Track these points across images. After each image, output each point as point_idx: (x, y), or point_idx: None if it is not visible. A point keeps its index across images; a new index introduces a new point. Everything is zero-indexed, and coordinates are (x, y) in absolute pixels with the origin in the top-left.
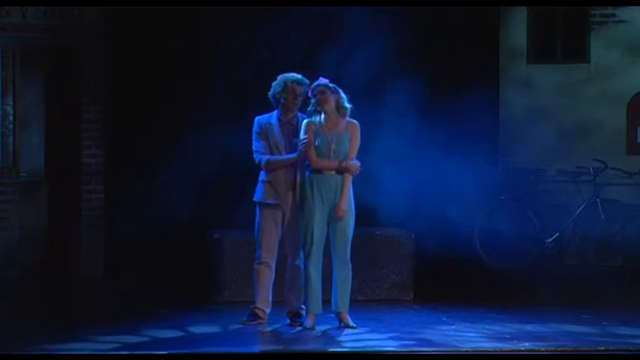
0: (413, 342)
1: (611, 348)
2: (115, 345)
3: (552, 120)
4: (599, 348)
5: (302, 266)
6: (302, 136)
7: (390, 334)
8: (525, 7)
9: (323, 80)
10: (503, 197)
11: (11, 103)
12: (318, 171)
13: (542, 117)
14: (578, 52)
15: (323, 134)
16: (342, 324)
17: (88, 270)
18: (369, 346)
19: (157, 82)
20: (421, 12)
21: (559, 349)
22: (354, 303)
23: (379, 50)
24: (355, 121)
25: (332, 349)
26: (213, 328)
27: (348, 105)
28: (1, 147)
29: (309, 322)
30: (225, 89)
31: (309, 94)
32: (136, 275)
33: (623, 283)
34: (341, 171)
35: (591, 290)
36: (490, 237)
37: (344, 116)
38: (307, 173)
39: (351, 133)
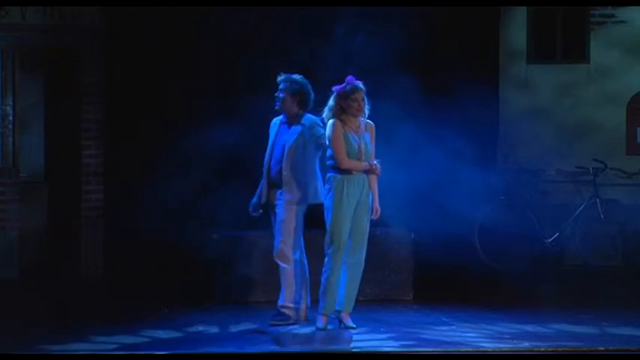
0: (413, 342)
1: (611, 348)
2: (115, 345)
3: (552, 120)
4: (599, 348)
5: (327, 267)
6: (329, 133)
7: (390, 334)
8: (525, 7)
9: (358, 82)
10: (503, 197)
11: (11, 103)
12: (348, 171)
13: (542, 117)
14: (578, 52)
15: (351, 136)
16: (343, 324)
17: (88, 270)
18: (369, 346)
19: (157, 81)
20: (421, 12)
21: (559, 349)
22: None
23: (379, 50)
24: (370, 121)
25: (332, 349)
26: (212, 328)
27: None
28: (1, 147)
29: (322, 323)
30: (225, 89)
31: (338, 92)
32: (136, 275)
33: (623, 283)
34: (367, 171)
35: (591, 290)
36: (490, 237)
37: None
38: (334, 174)
39: (370, 133)
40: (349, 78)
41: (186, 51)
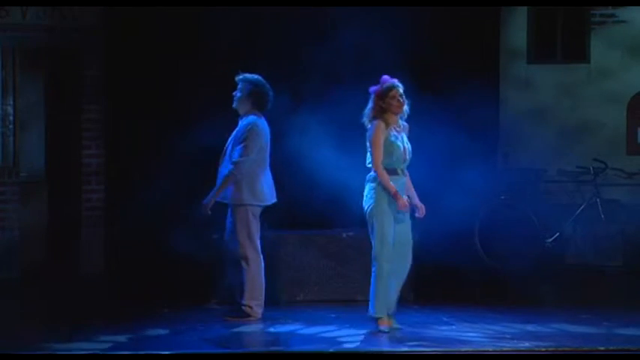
0: (413, 342)
1: (611, 348)
2: (114, 345)
3: (552, 120)
4: (599, 348)
5: (375, 271)
6: (369, 134)
7: (390, 334)
8: (525, 7)
9: (393, 79)
10: (503, 197)
11: (11, 103)
12: (394, 172)
13: (542, 117)
14: (578, 52)
15: (395, 136)
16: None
17: (88, 270)
18: (369, 346)
19: (157, 81)
20: (421, 11)
21: (559, 349)
22: (353, 303)
23: (379, 50)
24: (405, 122)
25: (332, 349)
26: (212, 328)
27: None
28: (1, 147)
29: (384, 326)
30: (225, 89)
31: (375, 93)
32: (135, 275)
33: (624, 283)
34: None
35: (591, 290)
36: (490, 237)
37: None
38: (376, 176)
39: (407, 133)
40: (384, 77)
41: (186, 51)
